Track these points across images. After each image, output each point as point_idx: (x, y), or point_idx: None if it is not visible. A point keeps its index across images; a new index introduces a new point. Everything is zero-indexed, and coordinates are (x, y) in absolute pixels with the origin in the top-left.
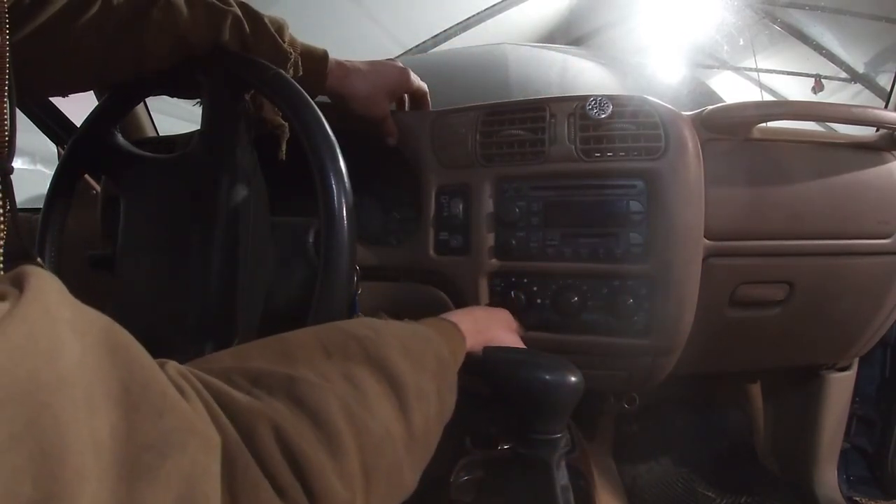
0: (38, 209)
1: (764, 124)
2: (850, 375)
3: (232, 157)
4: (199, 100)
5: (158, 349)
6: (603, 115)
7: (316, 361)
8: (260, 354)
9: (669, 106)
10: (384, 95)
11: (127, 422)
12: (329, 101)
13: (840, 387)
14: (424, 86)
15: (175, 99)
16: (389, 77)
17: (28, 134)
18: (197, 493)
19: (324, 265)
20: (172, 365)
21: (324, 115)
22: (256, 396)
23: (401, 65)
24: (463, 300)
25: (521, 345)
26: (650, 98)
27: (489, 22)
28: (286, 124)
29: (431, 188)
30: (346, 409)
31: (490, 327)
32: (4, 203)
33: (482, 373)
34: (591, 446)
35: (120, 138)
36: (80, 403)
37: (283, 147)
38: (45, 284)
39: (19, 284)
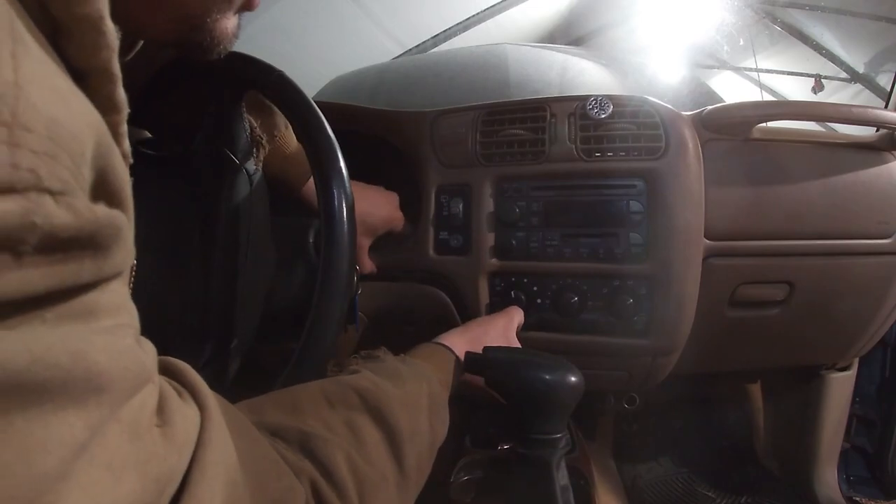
0: None
1: (764, 124)
2: (850, 375)
3: (233, 157)
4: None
5: (158, 349)
6: (603, 115)
7: (321, 412)
8: (273, 408)
9: (670, 106)
10: (362, 232)
11: (262, 489)
12: (329, 101)
13: (840, 387)
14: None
15: None
16: (377, 207)
17: None
18: None
19: (324, 265)
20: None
21: (325, 116)
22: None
23: (391, 196)
24: (463, 300)
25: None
26: (650, 98)
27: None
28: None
29: (431, 188)
30: (349, 461)
31: (484, 342)
32: None
33: (482, 373)
34: (591, 446)
35: None
36: (239, 483)
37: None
38: (202, 386)
39: (177, 377)
